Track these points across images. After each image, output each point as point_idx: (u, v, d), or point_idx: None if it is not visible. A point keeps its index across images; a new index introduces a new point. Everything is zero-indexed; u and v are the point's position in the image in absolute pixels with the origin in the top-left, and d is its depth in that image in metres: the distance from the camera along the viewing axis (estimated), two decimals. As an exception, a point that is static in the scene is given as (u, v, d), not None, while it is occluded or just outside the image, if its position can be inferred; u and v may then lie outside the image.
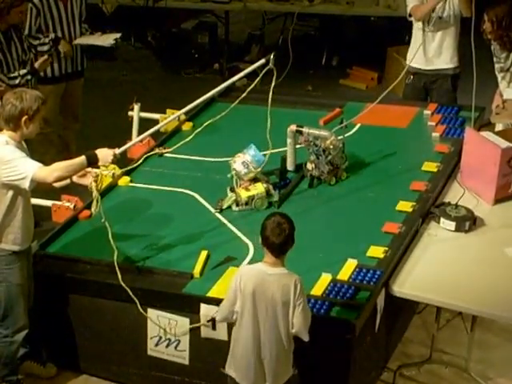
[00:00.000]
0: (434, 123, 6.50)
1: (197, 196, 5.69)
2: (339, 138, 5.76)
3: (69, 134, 7.41)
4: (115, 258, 4.79)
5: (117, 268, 4.77)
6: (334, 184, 5.77)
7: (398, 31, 10.33)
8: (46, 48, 6.79)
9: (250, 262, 4.96)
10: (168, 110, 6.68)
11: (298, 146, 5.88)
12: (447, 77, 7.05)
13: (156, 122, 6.66)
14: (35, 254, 5.14)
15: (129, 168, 5.89)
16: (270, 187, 5.57)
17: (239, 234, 5.27)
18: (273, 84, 5.21)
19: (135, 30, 10.84)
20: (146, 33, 10.86)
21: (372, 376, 5.09)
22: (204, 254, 5.05)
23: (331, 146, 5.72)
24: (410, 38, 7.20)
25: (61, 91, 7.13)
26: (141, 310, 4.79)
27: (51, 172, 4.66)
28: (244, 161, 5.58)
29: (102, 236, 5.04)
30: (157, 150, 6.24)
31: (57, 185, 4.87)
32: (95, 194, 4.90)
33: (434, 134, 6.34)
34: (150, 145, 6.29)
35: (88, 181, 4.91)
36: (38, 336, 5.13)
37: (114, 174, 5.87)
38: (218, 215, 5.47)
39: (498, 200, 5.50)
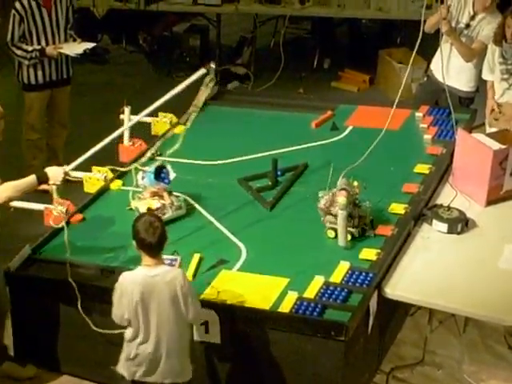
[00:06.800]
0: (425, 125, 6.49)
1: (189, 199, 5.67)
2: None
3: (57, 141, 7.35)
4: (68, 254, 4.82)
5: (68, 266, 4.78)
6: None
7: (390, 34, 10.36)
8: (31, 61, 6.77)
9: (243, 265, 4.98)
10: (160, 113, 6.67)
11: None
12: (457, 96, 6.82)
13: (148, 125, 6.67)
14: (28, 257, 5.12)
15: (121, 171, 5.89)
16: (173, 199, 5.48)
17: (231, 236, 5.26)
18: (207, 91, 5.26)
19: (127, 33, 10.83)
20: (137, 36, 10.84)
21: (365, 378, 5.08)
22: (197, 257, 5.03)
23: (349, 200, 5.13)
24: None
25: (46, 98, 7.07)
26: (80, 311, 4.75)
27: (0, 193, 4.66)
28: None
29: (92, 240, 5.04)
30: (148, 154, 6.23)
31: None
32: (56, 196, 5.01)
33: (425, 136, 6.34)
34: (142, 148, 6.26)
35: (48, 186, 4.94)
36: (18, 337, 5.12)
37: (105, 177, 5.86)
38: (211, 219, 5.46)
39: (490, 202, 5.51)
